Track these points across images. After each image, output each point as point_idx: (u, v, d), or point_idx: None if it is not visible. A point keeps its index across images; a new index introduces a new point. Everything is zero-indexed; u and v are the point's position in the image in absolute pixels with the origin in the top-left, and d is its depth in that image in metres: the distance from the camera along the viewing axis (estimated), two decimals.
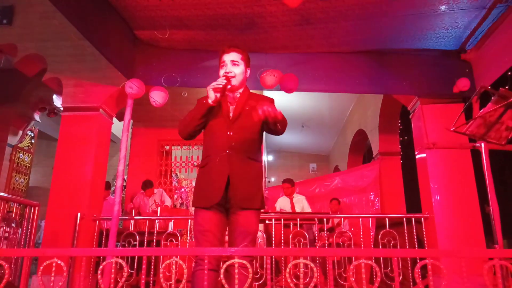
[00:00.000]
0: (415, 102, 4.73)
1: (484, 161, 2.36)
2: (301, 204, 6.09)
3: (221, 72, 2.22)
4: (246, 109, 2.20)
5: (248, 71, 2.33)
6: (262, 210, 2.25)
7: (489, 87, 2.33)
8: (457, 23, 3.98)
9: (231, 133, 2.15)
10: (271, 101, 2.28)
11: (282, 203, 6.12)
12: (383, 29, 4.19)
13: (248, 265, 1.48)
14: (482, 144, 2.37)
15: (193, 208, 2.22)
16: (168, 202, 6.18)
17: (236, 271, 1.57)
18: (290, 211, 6.00)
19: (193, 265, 2.08)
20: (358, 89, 5.01)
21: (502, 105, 2.18)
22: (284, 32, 4.22)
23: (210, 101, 2.12)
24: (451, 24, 4.01)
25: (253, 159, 2.19)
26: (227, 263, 1.53)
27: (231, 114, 2.21)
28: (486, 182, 2.38)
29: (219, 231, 2.09)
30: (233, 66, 2.22)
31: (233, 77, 2.18)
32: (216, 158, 2.13)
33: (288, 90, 4.40)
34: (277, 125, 2.08)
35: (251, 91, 2.38)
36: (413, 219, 4.36)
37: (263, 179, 2.29)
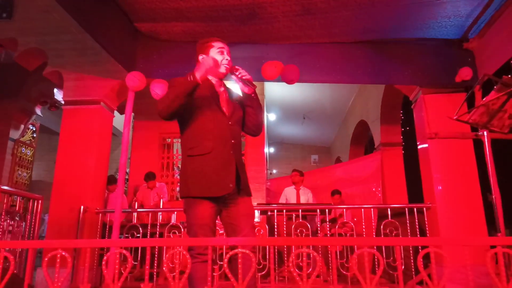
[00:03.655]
0: (417, 92, 4.71)
1: (487, 149, 2.36)
2: (307, 197, 6.15)
3: (219, 57, 2.23)
4: (236, 101, 2.28)
5: None
6: None
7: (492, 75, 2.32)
8: (460, 12, 3.95)
9: (231, 123, 2.19)
10: None
11: (288, 194, 6.21)
12: (384, 18, 4.15)
13: (251, 254, 1.49)
14: (485, 133, 2.37)
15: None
16: (165, 198, 6.18)
17: (239, 260, 1.57)
18: (295, 202, 6.04)
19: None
20: (359, 80, 4.98)
21: (505, 93, 2.18)
22: (285, 22, 4.19)
23: (198, 76, 2.05)
24: (453, 13, 3.97)
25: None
26: (231, 253, 1.54)
27: (224, 104, 2.22)
28: (489, 171, 2.38)
29: (214, 223, 2.10)
30: (229, 56, 2.26)
31: (239, 67, 2.19)
32: (221, 147, 2.11)
33: (289, 81, 4.38)
34: (255, 111, 2.22)
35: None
36: (415, 209, 4.37)
37: None
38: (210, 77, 2.25)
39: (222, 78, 2.29)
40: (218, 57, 2.22)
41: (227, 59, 2.22)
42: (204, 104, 2.16)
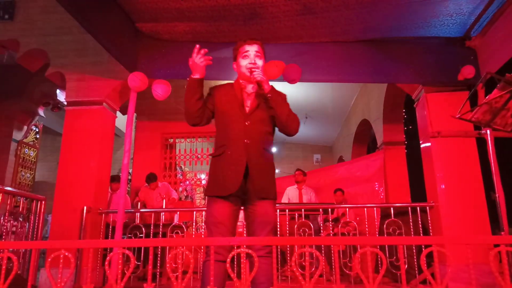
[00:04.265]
0: (419, 91, 4.69)
1: (490, 148, 2.35)
2: (309, 196, 6.15)
3: (244, 63, 2.23)
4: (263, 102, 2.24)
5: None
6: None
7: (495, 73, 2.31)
8: (462, 10, 3.93)
9: (249, 123, 2.17)
10: (285, 97, 2.29)
11: (291, 193, 6.21)
12: (386, 17, 4.14)
13: (254, 255, 1.49)
14: (488, 131, 2.35)
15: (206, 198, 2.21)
16: (174, 195, 6.20)
17: (243, 260, 1.58)
18: (298, 201, 6.04)
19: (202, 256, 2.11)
20: (361, 79, 4.97)
21: (508, 91, 2.16)
22: (287, 22, 4.19)
23: (197, 76, 2.14)
24: (455, 11, 3.95)
25: (267, 151, 2.22)
26: (234, 253, 1.54)
27: (248, 105, 2.23)
28: (492, 170, 2.37)
29: (231, 222, 2.11)
30: (256, 57, 2.24)
31: (257, 68, 2.20)
32: (233, 147, 2.14)
33: (291, 81, 4.37)
34: (279, 113, 2.16)
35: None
36: (418, 208, 4.36)
37: (274, 170, 2.27)
38: (241, 81, 2.30)
39: (250, 81, 2.25)
40: (243, 63, 2.24)
41: (251, 63, 2.21)
42: (228, 107, 2.22)
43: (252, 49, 2.25)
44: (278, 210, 4.48)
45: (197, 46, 2.10)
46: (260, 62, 2.24)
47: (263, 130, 2.20)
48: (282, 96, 2.26)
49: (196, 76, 2.14)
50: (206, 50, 2.11)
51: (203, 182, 8.31)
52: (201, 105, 2.18)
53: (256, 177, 2.10)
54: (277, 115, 2.18)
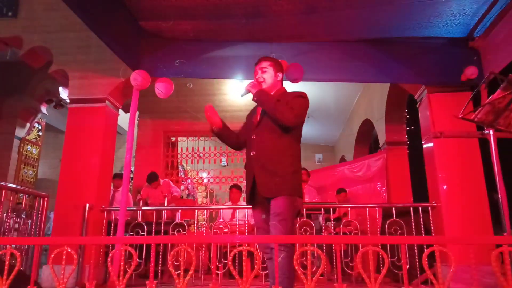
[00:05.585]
0: (422, 91, 4.69)
1: (493, 148, 2.35)
2: (311, 195, 6.14)
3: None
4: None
5: (280, 75, 2.53)
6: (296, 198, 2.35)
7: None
8: (465, 10, 3.92)
9: (255, 137, 2.38)
10: (296, 95, 2.43)
11: None
12: (389, 17, 4.13)
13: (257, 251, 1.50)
14: (491, 132, 2.35)
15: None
16: (176, 191, 6.19)
17: (243, 258, 1.58)
18: None
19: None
20: (364, 78, 4.97)
21: (511, 92, 2.16)
22: (290, 21, 4.19)
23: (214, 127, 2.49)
24: (459, 11, 3.94)
25: (279, 155, 2.33)
26: (235, 250, 1.54)
27: (258, 118, 2.44)
28: (495, 170, 2.36)
29: (266, 225, 2.30)
30: (262, 73, 2.46)
31: (262, 81, 2.44)
32: (247, 161, 2.44)
33: (294, 80, 4.37)
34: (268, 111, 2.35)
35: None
36: (420, 208, 4.35)
37: (293, 169, 2.35)
38: None
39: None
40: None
41: (255, 79, 2.47)
42: (248, 127, 2.51)
43: (257, 68, 2.48)
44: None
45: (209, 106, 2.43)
46: (267, 75, 2.46)
47: (269, 138, 2.35)
48: (269, 95, 2.40)
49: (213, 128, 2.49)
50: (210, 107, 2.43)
51: (205, 180, 8.31)
52: (229, 138, 2.53)
53: (262, 183, 2.29)
54: (267, 113, 2.34)
